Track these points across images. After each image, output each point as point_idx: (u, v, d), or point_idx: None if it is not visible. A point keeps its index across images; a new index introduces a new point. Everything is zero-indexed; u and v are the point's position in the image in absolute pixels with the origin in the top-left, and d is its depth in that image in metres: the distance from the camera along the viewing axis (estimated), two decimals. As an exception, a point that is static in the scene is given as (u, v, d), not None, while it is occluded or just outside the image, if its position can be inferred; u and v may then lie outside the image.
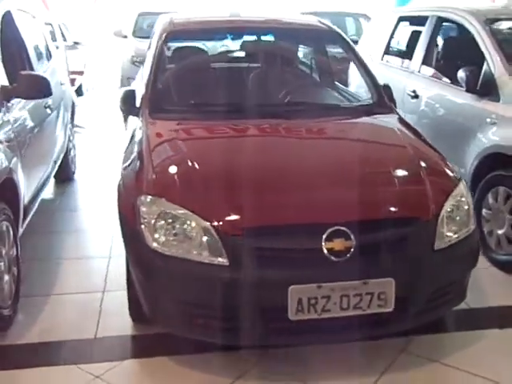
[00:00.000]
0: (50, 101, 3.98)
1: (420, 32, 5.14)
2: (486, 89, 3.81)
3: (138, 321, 2.83)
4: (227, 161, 2.65)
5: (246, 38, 3.79)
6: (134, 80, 7.80)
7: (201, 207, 2.33)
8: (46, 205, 4.42)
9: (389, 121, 3.18)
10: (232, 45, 3.85)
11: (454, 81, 4.19)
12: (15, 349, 2.68)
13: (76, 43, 8.37)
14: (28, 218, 3.39)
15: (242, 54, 3.75)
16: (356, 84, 3.93)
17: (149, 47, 4.26)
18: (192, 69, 3.63)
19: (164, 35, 3.53)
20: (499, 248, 3.54)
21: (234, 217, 2.30)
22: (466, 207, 2.56)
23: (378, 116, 3.23)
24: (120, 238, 3.82)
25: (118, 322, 2.91)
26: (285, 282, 2.21)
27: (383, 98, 3.40)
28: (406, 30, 5.48)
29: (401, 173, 2.64)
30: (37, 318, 2.95)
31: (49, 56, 4.71)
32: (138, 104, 3.30)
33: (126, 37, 8.74)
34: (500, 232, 3.53)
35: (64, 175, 5.05)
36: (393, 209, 2.42)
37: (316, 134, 3.05)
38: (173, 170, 2.59)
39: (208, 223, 2.28)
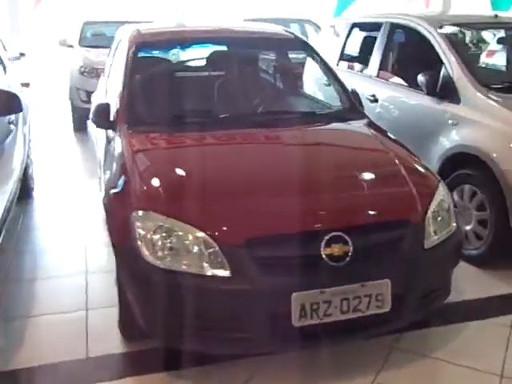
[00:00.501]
0: (12, 116, 3.85)
1: (374, 38, 5.35)
2: (446, 92, 3.99)
3: (129, 338, 2.79)
4: (217, 171, 2.67)
5: (217, 47, 3.80)
6: (83, 91, 7.72)
7: (198, 219, 2.34)
8: (9, 224, 4.26)
9: (364, 126, 3.28)
10: (200, 54, 3.86)
11: (412, 84, 4.38)
12: (6, 376, 2.58)
13: (22, 54, 8.08)
14: (0, 238, 3.27)
15: (214, 63, 3.76)
16: (322, 91, 4.03)
17: (113, 58, 4.22)
18: (166, 80, 3.62)
19: (134, 47, 3.50)
20: (467, 243, 3.71)
21: (234, 228, 2.32)
22: (447, 206, 2.69)
23: (352, 122, 3.33)
24: (93, 253, 3.86)
25: (108, 339, 2.85)
26: (288, 290, 2.25)
27: (355, 104, 3.51)
28: (359, 36, 5.64)
29: (388, 177, 2.74)
30: (21, 342, 2.85)
31: (4, 69, 4.56)
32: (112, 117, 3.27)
33: (71, 46, 8.53)
34: (468, 228, 3.71)
35: (23, 192, 4.87)
36: (385, 212, 2.51)
37: (299, 142, 3.12)
38: (164, 183, 2.58)
39: (207, 235, 2.29)
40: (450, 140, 3.84)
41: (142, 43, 3.58)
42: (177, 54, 3.88)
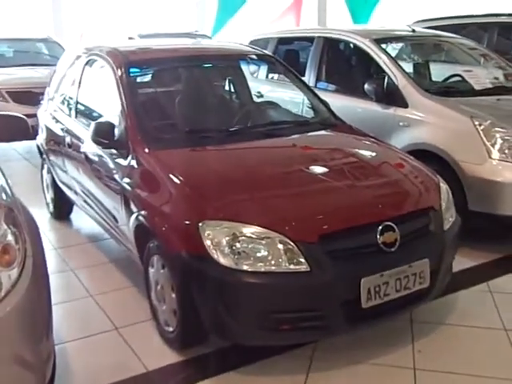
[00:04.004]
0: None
1: (297, 51, 5.85)
2: (392, 98, 4.55)
3: (182, 348, 2.89)
4: (266, 176, 2.91)
5: (198, 63, 3.97)
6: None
7: (270, 221, 2.55)
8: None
9: (355, 131, 3.69)
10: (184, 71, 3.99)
11: (356, 92, 4.90)
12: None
13: None
14: None
15: (200, 78, 3.94)
16: (293, 102, 4.38)
17: (80, 77, 4.18)
18: (167, 95, 3.73)
19: (124, 66, 3.56)
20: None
21: (307, 226, 2.57)
22: (449, 195, 3.17)
23: (341, 127, 3.71)
24: (86, 276, 3.81)
25: (158, 352, 2.93)
26: (358, 277, 2.56)
27: (333, 112, 3.90)
28: (286, 50, 6.07)
29: (409, 171, 3.16)
30: (68, 368, 2.81)
31: None
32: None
33: None
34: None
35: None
36: (418, 202, 2.94)
37: (321, 146, 3.42)
38: (220, 190, 2.76)
39: (282, 235, 2.51)
40: (404, 140, 4.38)
41: (130, 62, 3.63)
42: (168, 71, 3.97)
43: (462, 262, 3.96)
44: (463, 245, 4.08)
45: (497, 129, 3.96)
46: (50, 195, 5.01)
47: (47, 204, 5.13)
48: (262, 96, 5.29)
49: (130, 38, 9.49)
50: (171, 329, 2.89)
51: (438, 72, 5.26)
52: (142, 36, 10.11)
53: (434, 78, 5.18)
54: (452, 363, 2.81)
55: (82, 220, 4.76)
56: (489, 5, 8.98)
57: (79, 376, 2.76)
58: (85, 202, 4.08)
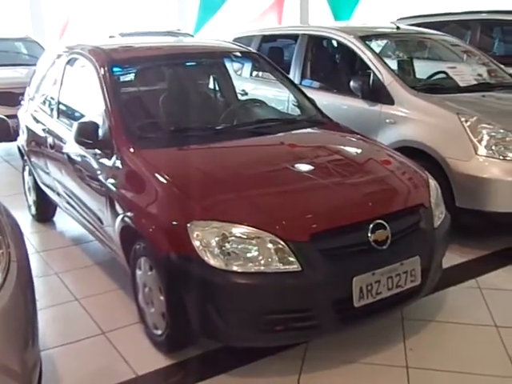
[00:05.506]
0: None
1: (281, 48, 5.83)
2: (378, 95, 4.53)
3: (170, 351, 2.83)
4: (255, 175, 2.87)
5: (181, 61, 3.92)
6: None
7: (260, 220, 2.50)
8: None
9: (342, 128, 3.66)
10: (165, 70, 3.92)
11: (341, 89, 4.88)
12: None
13: None
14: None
15: (184, 75, 3.89)
16: (279, 100, 4.34)
17: (62, 76, 4.10)
18: (151, 94, 3.66)
19: (107, 64, 3.49)
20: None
21: (298, 225, 2.53)
22: (438, 192, 3.15)
23: (328, 125, 3.67)
24: (70, 280, 3.73)
25: (147, 355, 2.87)
26: (350, 275, 2.52)
27: (320, 110, 3.86)
28: (270, 47, 6.03)
29: (398, 169, 3.13)
30: (55, 374, 2.74)
31: None
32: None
33: None
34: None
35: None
36: (408, 199, 2.91)
37: (309, 144, 3.37)
38: (209, 190, 2.71)
39: (273, 235, 2.46)
40: (391, 137, 4.37)
41: (113, 61, 3.56)
42: (152, 69, 3.90)
43: (450, 258, 3.95)
44: (452, 241, 4.08)
45: (483, 125, 3.96)
46: (32, 197, 4.90)
47: (29, 206, 5.03)
48: (246, 94, 5.26)
49: (110, 37, 9.38)
50: (160, 332, 2.83)
51: (423, 69, 5.26)
52: (124, 35, 10.01)
53: (418, 75, 5.18)
54: (444, 360, 2.79)
55: (66, 222, 4.68)
56: (470, 2, 9.04)
57: (66, 383, 2.69)
58: (68, 203, 4.00)
